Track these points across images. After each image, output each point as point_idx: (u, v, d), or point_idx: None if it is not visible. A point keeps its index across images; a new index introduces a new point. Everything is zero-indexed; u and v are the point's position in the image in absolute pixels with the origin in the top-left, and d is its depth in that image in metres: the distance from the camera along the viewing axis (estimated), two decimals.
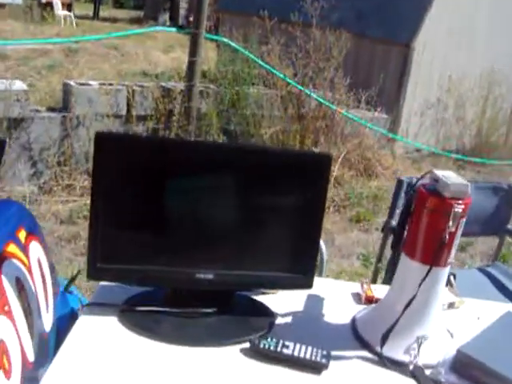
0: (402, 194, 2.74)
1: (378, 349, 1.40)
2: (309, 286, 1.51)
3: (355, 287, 1.77)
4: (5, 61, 9.64)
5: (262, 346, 1.35)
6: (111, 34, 9.60)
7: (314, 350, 1.36)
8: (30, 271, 1.56)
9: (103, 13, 20.59)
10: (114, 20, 18.82)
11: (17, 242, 1.55)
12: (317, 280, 1.53)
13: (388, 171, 6.59)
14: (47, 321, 1.62)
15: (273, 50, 6.20)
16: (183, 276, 1.43)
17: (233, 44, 5.86)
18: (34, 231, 1.71)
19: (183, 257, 1.43)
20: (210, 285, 1.44)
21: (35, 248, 1.67)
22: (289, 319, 1.55)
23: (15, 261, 1.49)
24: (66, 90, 5.11)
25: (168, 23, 19.67)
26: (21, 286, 1.45)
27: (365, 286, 1.74)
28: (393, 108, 7.61)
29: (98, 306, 1.46)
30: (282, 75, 5.97)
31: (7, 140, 1.78)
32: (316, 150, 5.65)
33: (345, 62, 6.64)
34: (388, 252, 2.87)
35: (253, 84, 6.05)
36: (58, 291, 1.80)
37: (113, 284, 1.51)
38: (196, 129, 5.49)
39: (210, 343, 1.37)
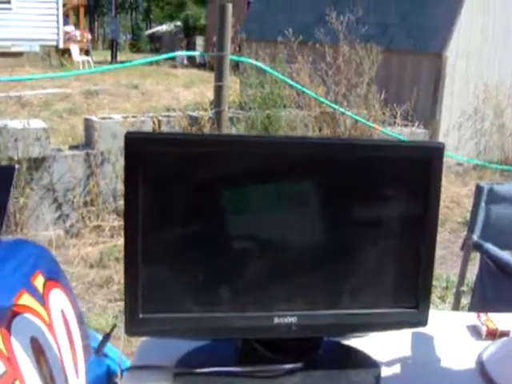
0: (483, 204, 2.33)
1: None
2: (423, 323, 1.11)
3: (469, 318, 1.38)
4: (26, 107, 9.47)
5: None
6: (126, 63, 9.37)
7: None
8: (50, 328, 1.19)
9: (121, 57, 20.68)
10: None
11: (32, 290, 1.20)
12: None
13: None
14: None
15: (302, 69, 5.88)
16: (257, 322, 1.05)
17: (260, 64, 5.55)
18: (55, 277, 1.35)
19: (255, 297, 1.05)
20: (294, 331, 1.06)
21: (57, 297, 1.31)
22: (397, 369, 1.15)
23: (29, 316, 1.12)
24: (88, 126, 4.82)
25: (186, 62, 19.68)
26: (38, 349, 1.09)
27: (482, 316, 1.34)
28: (429, 122, 7.21)
29: (143, 370, 1.09)
30: (313, 94, 5.63)
31: (16, 167, 1.46)
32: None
33: (375, 76, 6.31)
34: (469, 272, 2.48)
35: (284, 106, 5.71)
36: (90, 350, 1.43)
37: (157, 339, 1.14)
38: None
39: None
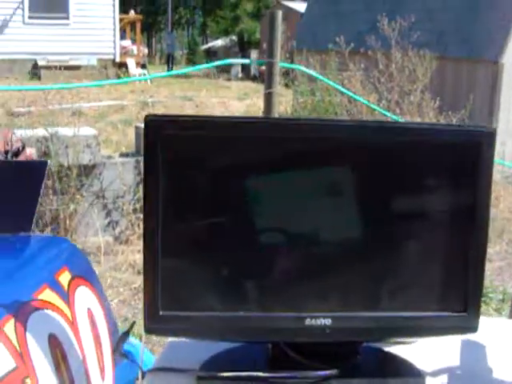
0: None
1: None
2: (473, 328, 1.00)
3: None
4: (81, 118, 9.65)
5: None
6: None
7: None
8: (73, 326, 1.14)
9: (177, 70, 20.90)
10: (187, 76, 19.02)
11: (55, 286, 1.15)
12: None
13: None
14: None
15: (353, 77, 5.76)
16: (286, 324, 0.96)
17: (311, 72, 5.46)
18: (83, 275, 1.30)
19: (284, 295, 0.96)
20: (328, 335, 0.97)
21: (84, 295, 1.25)
22: (444, 379, 1.04)
23: (49, 312, 1.07)
24: (138, 133, 4.84)
25: (240, 75, 19.77)
26: (57, 347, 1.03)
27: None
28: None
29: (166, 372, 1.02)
30: (365, 101, 5.51)
31: (49, 162, 1.42)
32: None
33: (429, 83, 6.14)
34: None
35: (335, 113, 5.60)
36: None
37: (185, 340, 1.07)
38: None
39: None
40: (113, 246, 4.36)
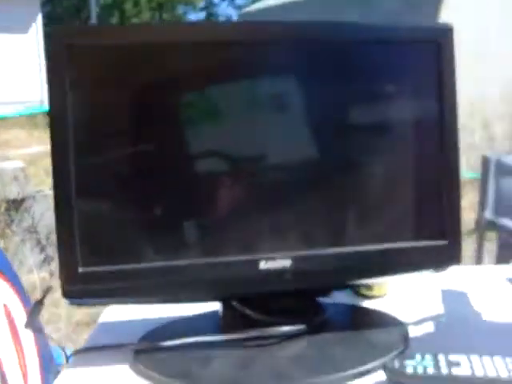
0: (492, 178, 2.08)
1: None
2: (455, 258, 0.85)
3: (505, 271, 1.13)
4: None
5: (409, 369, 0.69)
6: None
7: (507, 360, 0.70)
8: None
9: None
10: None
11: None
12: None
13: None
14: None
15: None
16: (238, 270, 0.78)
17: None
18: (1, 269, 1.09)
19: (232, 235, 0.79)
20: (288, 282, 0.80)
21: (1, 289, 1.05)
22: (429, 327, 0.89)
23: None
24: None
25: None
26: None
27: None
28: None
29: (96, 352, 0.82)
30: None
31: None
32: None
33: None
34: None
35: None
36: (50, 365, 1.15)
37: (118, 320, 0.88)
38: None
39: (310, 382, 0.72)
40: (49, 281, 4.08)
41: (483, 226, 2.04)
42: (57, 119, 0.74)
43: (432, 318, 0.91)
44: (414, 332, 0.85)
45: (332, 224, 0.82)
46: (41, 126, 15.58)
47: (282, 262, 0.78)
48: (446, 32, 0.83)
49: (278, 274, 0.79)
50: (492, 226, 1.99)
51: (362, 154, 0.82)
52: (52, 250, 4.32)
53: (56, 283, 2.87)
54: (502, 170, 2.05)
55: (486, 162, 2.09)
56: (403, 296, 1.00)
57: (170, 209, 0.77)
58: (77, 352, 0.84)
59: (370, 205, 0.82)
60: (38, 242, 4.25)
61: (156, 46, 0.76)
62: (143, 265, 0.76)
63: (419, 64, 0.82)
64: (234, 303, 0.82)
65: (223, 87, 0.78)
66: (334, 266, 0.81)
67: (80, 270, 0.74)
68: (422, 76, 0.82)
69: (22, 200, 4.13)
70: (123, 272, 0.76)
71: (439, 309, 0.95)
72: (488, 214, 2.02)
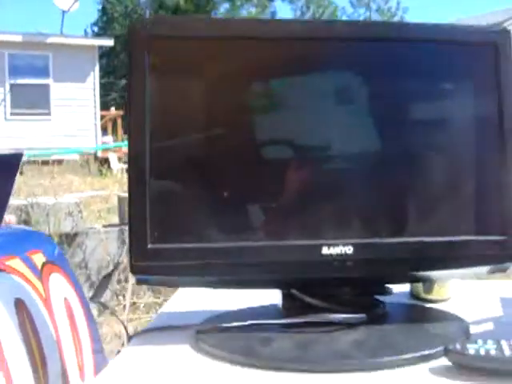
0: None
1: None
2: None
3: None
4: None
5: (471, 351, 0.69)
6: None
7: None
8: (46, 303, 0.97)
9: None
10: None
11: (27, 261, 0.99)
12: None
13: None
14: None
15: None
16: (301, 254, 0.80)
17: None
18: (58, 263, 1.14)
19: (297, 221, 0.82)
20: (349, 268, 0.81)
21: (59, 283, 1.09)
22: (489, 326, 0.88)
23: (18, 279, 0.91)
24: (122, 202, 4.71)
25: None
26: (24, 312, 0.86)
27: None
28: None
29: (158, 333, 0.85)
30: None
31: (24, 152, 1.27)
32: None
33: None
34: None
35: None
36: (100, 358, 1.18)
37: (179, 308, 0.91)
38: None
39: (369, 363, 0.72)
40: (97, 317, 4.12)
41: None
42: (135, 103, 0.78)
43: (491, 319, 0.91)
44: (474, 329, 0.85)
45: (394, 214, 0.83)
46: (93, 172, 16.04)
47: (344, 249, 0.80)
48: (504, 34, 0.85)
49: (340, 260, 0.80)
50: None
51: (424, 148, 0.84)
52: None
53: (103, 319, 2.91)
54: None
55: None
56: (463, 301, 1.00)
57: (237, 192, 0.80)
58: (139, 333, 0.86)
59: (431, 198, 0.84)
60: (88, 277, 4.33)
61: (231, 39, 0.81)
62: (209, 244, 0.79)
63: (478, 64, 0.85)
64: (294, 291, 0.83)
65: (292, 80, 0.82)
66: (395, 255, 0.82)
67: (149, 246, 0.78)
68: (480, 76, 0.85)
69: (75, 235, 4.24)
70: (190, 250, 0.78)
71: (498, 311, 0.95)
72: None
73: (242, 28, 0.82)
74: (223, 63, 0.81)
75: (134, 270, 0.79)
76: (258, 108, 0.82)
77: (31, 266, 0.99)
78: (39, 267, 1.02)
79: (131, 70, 0.79)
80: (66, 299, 1.08)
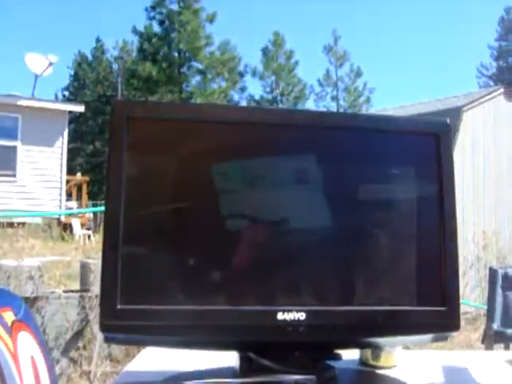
0: (499, 290, 2.17)
1: None
2: (454, 325, 0.94)
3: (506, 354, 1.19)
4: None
5: None
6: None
7: None
8: (15, 359, 1.01)
9: None
10: None
11: None
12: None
13: None
14: None
15: None
16: (258, 319, 0.88)
17: None
18: (26, 322, 1.18)
19: (255, 288, 0.90)
20: (302, 334, 0.89)
21: (27, 342, 1.14)
22: None
23: None
24: (84, 268, 4.70)
25: None
26: None
27: None
28: None
29: None
30: None
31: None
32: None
33: None
34: None
35: None
36: None
37: (141, 368, 0.96)
38: None
39: None
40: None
41: (491, 338, 2.09)
42: (112, 176, 0.87)
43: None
44: None
45: (343, 284, 0.92)
46: (55, 237, 15.82)
47: (298, 315, 0.88)
48: (445, 126, 0.97)
49: (294, 325, 0.88)
50: (500, 336, 2.04)
51: (371, 226, 0.93)
52: (58, 354, 4.31)
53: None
54: (509, 282, 2.14)
55: (493, 274, 2.18)
56: (408, 368, 1.07)
57: (201, 260, 0.88)
58: None
59: (378, 270, 0.93)
60: (45, 343, 4.25)
61: (199, 123, 0.90)
62: (173, 307, 0.86)
63: (421, 152, 0.96)
64: (250, 354, 0.90)
65: (252, 162, 0.92)
66: (344, 322, 0.90)
67: (118, 306, 0.84)
68: (423, 162, 0.96)
69: (35, 299, 4.19)
70: (155, 312, 0.85)
71: (441, 379, 1.02)
72: (495, 326, 2.08)
73: (211, 113, 0.92)
74: (193, 144, 0.90)
75: (103, 328, 0.85)
76: (222, 185, 0.91)
77: (2, 323, 1.04)
78: (9, 324, 1.07)
79: (110, 146, 0.88)
80: (32, 357, 1.12)
